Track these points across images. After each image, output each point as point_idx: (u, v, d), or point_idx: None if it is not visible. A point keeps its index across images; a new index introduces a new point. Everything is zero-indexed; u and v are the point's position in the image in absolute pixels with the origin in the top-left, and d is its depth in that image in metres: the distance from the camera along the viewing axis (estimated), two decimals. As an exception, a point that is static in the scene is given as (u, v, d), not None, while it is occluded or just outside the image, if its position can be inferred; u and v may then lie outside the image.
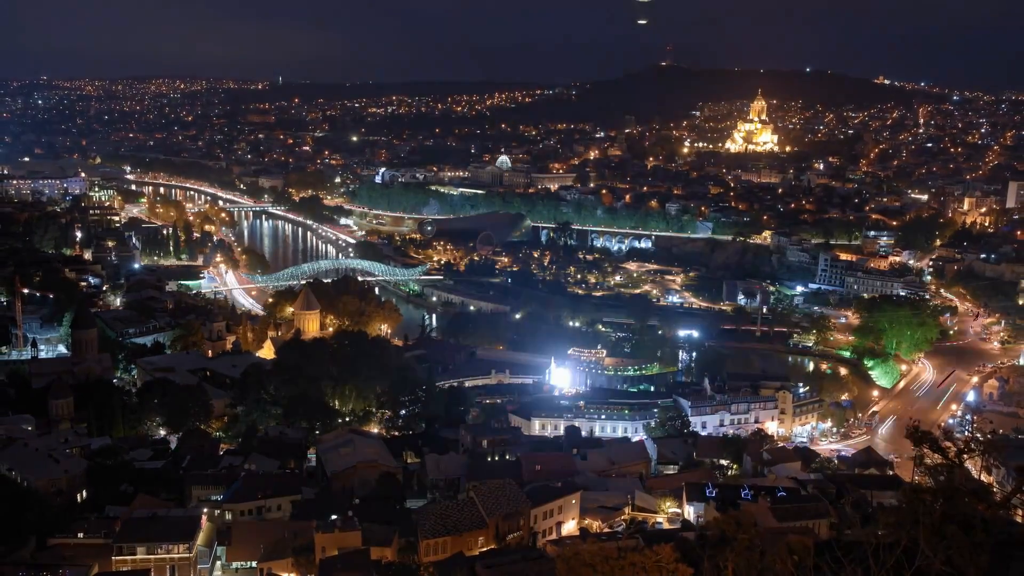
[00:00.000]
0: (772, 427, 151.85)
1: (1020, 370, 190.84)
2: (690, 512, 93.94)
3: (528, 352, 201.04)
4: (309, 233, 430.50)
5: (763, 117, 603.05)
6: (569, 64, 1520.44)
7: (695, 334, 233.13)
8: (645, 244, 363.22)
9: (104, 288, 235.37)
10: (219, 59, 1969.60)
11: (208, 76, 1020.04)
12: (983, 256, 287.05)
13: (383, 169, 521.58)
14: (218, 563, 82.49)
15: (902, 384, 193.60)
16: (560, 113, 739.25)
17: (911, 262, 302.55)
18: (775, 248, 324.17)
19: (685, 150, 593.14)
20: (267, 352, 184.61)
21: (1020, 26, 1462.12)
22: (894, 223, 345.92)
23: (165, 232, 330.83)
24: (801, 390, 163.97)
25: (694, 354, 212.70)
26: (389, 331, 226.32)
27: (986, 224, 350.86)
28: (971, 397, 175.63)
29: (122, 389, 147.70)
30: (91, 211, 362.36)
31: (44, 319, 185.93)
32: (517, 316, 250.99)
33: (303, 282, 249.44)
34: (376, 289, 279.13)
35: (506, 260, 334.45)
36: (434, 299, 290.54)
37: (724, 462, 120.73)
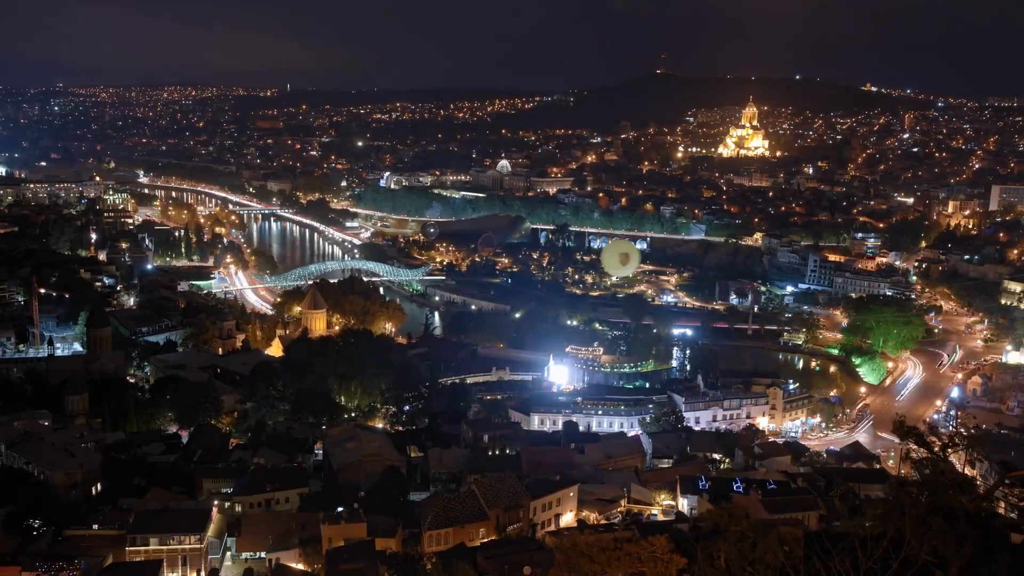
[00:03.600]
0: (763, 422, 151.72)
1: (1003, 367, 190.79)
2: (684, 504, 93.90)
3: (527, 350, 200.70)
4: (316, 235, 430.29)
5: (754, 123, 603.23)
6: (567, 72, 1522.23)
7: (689, 332, 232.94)
8: (640, 245, 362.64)
9: (118, 288, 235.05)
10: (229, 67, 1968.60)
11: (218, 84, 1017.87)
12: (967, 257, 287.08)
13: (387, 173, 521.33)
14: (228, 554, 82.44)
15: (888, 381, 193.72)
16: (558, 119, 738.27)
17: (897, 263, 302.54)
18: (766, 249, 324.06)
19: (679, 155, 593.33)
20: (275, 350, 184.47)
21: (1003, 33, 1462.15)
22: (881, 225, 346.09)
23: (177, 234, 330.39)
24: (791, 386, 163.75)
25: (688, 352, 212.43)
26: (393, 330, 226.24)
27: (970, 226, 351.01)
28: (955, 393, 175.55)
29: (135, 386, 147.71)
30: (106, 214, 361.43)
31: (60, 318, 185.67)
32: (517, 315, 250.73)
33: (310, 282, 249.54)
34: (381, 289, 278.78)
35: (506, 261, 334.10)
36: (437, 299, 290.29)
37: (717, 456, 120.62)
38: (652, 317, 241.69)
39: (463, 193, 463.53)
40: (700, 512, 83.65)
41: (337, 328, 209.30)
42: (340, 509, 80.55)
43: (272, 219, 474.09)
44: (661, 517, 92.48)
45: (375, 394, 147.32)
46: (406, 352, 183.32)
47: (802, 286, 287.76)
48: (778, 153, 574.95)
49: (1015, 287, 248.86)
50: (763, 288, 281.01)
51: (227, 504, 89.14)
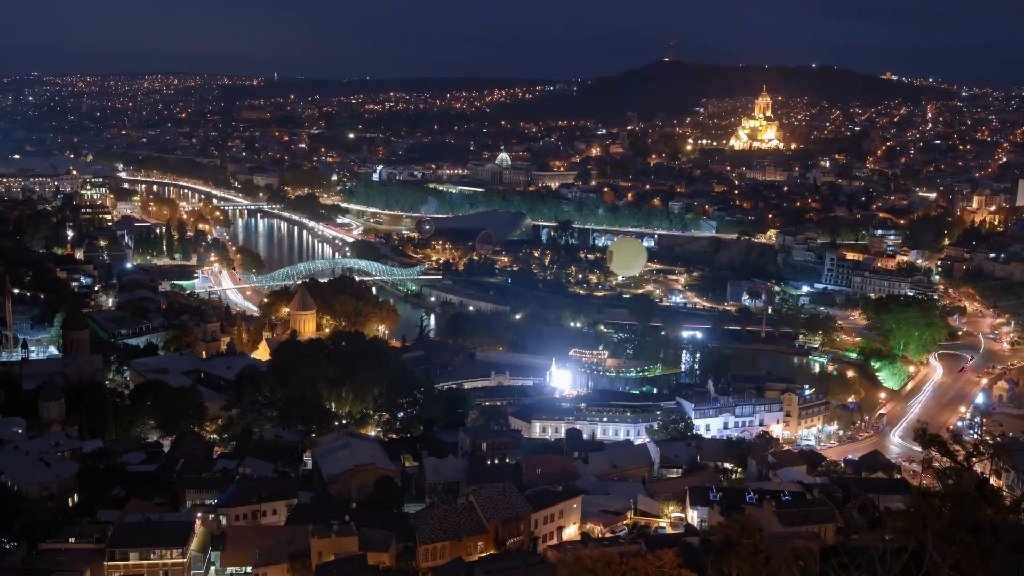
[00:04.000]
0: (777, 430, 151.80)
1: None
2: (693, 516, 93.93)
3: (528, 353, 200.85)
4: (305, 232, 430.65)
5: (768, 114, 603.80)
6: (570, 60, 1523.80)
7: (698, 335, 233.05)
8: (648, 243, 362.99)
9: (96, 288, 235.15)
10: (214, 55, 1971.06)
11: (202, 72, 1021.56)
12: (992, 255, 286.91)
13: (380, 167, 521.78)
14: (212, 568, 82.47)
15: (909, 386, 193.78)
16: (561, 110, 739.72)
17: (919, 261, 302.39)
18: (780, 247, 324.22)
19: (688, 147, 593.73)
20: (262, 353, 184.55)
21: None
22: (901, 222, 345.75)
23: (158, 231, 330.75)
24: (807, 392, 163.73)
25: (697, 355, 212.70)
26: (387, 332, 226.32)
27: (995, 223, 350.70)
28: (980, 399, 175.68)
29: (114, 391, 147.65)
30: (83, 210, 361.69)
31: (35, 320, 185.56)
32: (517, 316, 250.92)
33: (299, 282, 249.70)
34: (373, 289, 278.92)
35: (506, 259, 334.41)
36: (433, 299, 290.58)
37: (728, 465, 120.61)
38: (660, 319, 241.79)
39: (460, 188, 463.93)
40: (711, 525, 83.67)
41: (327, 330, 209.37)
42: (331, 521, 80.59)
43: (258, 215, 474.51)
44: (669, 530, 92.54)
45: (367, 400, 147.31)
46: (400, 356, 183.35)
47: (818, 286, 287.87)
48: (793, 145, 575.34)
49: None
50: (777, 288, 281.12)
51: (211, 516, 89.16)
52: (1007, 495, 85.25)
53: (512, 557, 78.22)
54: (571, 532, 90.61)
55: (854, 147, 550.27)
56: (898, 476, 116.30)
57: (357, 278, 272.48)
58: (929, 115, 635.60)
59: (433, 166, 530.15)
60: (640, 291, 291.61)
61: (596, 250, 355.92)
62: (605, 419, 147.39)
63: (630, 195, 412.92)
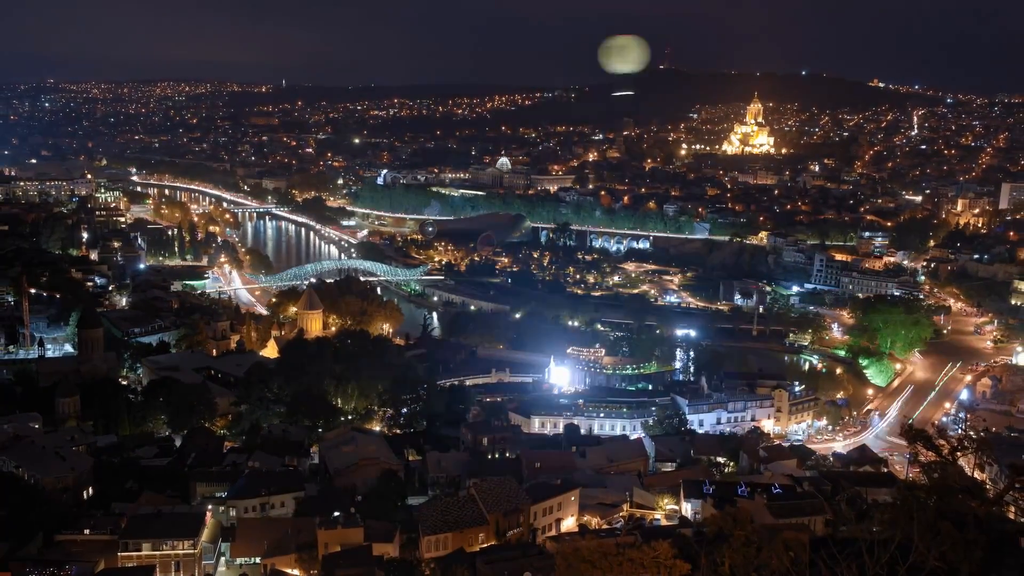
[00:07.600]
0: (768, 425, 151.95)
1: (1013, 369, 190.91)
2: (687, 509, 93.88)
3: (528, 351, 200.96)
4: (312, 234, 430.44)
5: (759, 119, 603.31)
6: (569, 67, 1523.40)
7: (692, 333, 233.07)
8: (643, 245, 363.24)
9: (110, 288, 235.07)
10: (223, 62, 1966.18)
11: (213, 79, 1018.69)
12: (976, 257, 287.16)
13: (385, 171, 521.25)
14: (222, 559, 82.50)
15: (896, 382, 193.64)
16: (559, 116, 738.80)
17: (905, 262, 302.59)
18: (771, 248, 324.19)
19: (682, 152, 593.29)
20: (271, 351, 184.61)
21: (1013, 28, 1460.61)
22: (888, 224, 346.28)
23: (170, 233, 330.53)
24: (797, 389, 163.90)
25: (691, 353, 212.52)
26: (391, 330, 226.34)
27: (979, 225, 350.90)
28: (964, 395, 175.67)
29: (128, 388, 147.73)
30: (97, 212, 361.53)
31: (51, 319, 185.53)
32: (517, 316, 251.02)
33: (306, 282, 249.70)
34: (378, 289, 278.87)
35: (506, 260, 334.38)
36: (435, 299, 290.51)
37: (721, 460, 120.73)
38: (655, 318, 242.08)
39: (462, 191, 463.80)
40: (704, 517, 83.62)
41: (333, 329, 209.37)
42: (336, 514, 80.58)
43: (267, 218, 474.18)
44: (664, 522, 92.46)
45: (372, 396, 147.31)
46: (404, 353, 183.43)
47: (808, 286, 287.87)
48: (784, 150, 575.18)
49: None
50: (768, 288, 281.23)
51: (221, 509, 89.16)
52: (990, 488, 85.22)
53: (512, 548, 78.22)
54: (569, 524, 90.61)
55: (843, 152, 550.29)
56: (885, 470, 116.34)
57: (362, 278, 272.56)
58: (915, 121, 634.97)
59: (436, 170, 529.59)
60: (636, 291, 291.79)
61: (593, 251, 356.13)
62: (602, 415, 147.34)
63: (626, 198, 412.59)
